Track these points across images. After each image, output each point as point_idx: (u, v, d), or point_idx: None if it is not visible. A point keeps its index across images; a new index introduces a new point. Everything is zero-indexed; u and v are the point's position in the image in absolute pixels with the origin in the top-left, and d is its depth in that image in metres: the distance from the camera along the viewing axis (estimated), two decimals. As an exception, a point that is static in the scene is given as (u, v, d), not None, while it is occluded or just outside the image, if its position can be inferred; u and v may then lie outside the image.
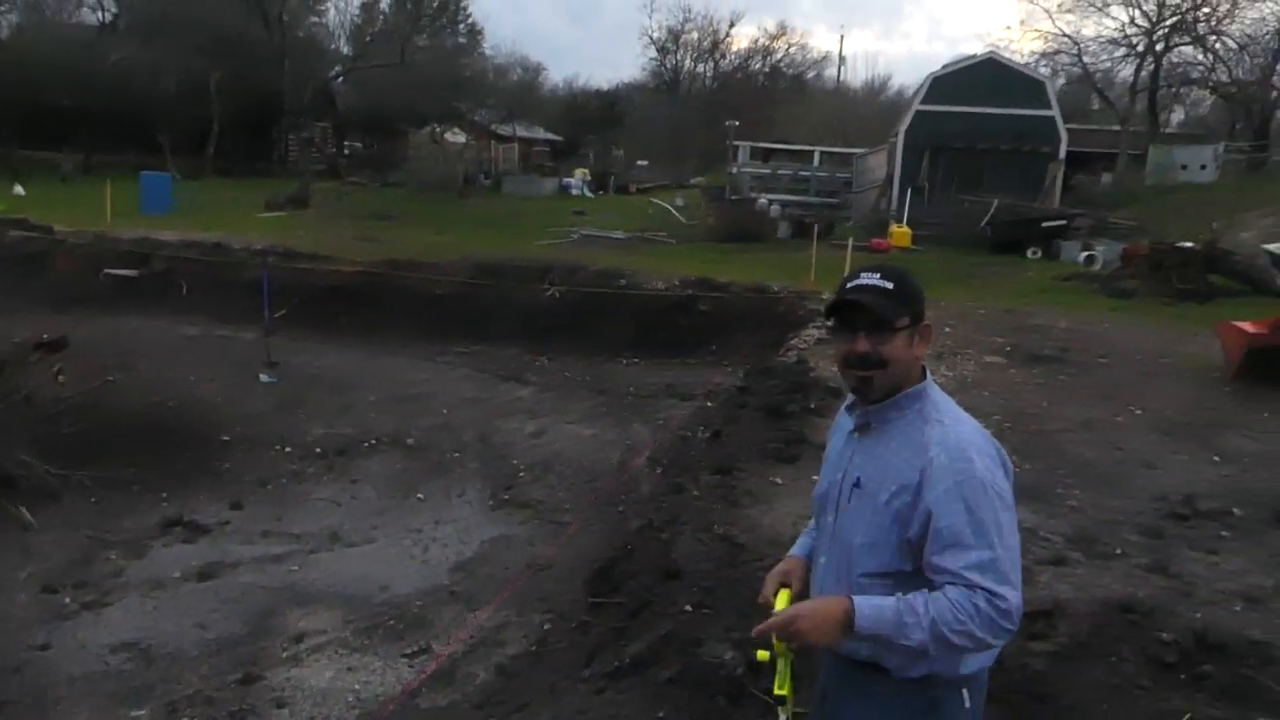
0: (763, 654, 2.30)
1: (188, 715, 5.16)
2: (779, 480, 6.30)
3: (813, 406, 7.82)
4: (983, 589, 2.05)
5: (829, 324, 2.33)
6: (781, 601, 2.34)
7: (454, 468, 9.23)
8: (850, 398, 2.42)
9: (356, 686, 5.49)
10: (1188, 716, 3.97)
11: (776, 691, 2.28)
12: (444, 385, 12.09)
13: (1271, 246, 16.24)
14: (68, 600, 6.37)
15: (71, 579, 6.63)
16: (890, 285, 2.23)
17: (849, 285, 2.28)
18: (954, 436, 2.18)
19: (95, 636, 5.93)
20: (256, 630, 6.09)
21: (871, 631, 2.10)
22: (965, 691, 2.25)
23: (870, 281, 2.25)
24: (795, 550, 2.59)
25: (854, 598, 2.13)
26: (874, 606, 2.11)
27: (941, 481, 2.12)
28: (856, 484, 2.28)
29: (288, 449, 9.43)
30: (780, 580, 2.45)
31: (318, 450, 9.41)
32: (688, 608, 4.72)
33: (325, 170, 33.20)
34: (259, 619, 6.24)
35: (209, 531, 7.56)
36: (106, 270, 15.86)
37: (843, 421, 2.46)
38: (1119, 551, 5.34)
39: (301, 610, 6.37)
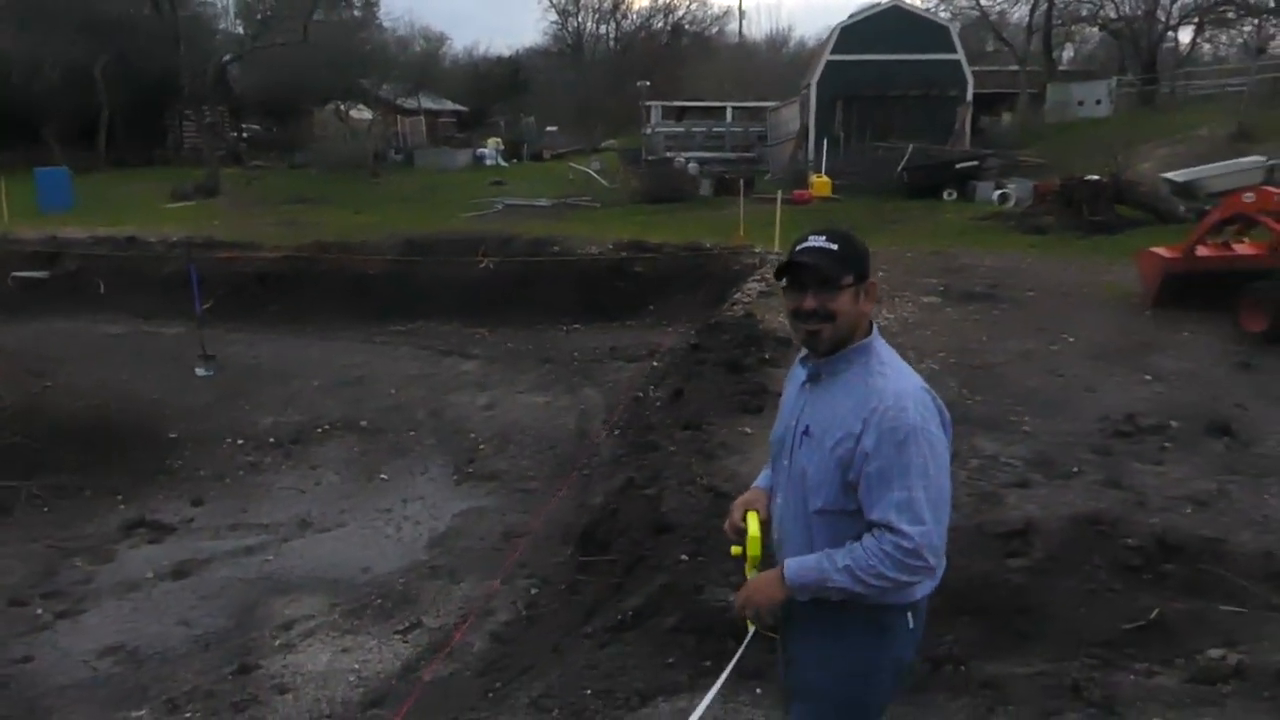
0: (735, 550, 2.66)
1: (190, 710, 5.14)
2: (748, 430, 6.50)
3: (767, 357, 8.03)
4: (890, 532, 2.32)
5: (781, 284, 2.52)
6: (751, 522, 2.65)
7: (412, 446, 9.21)
8: (803, 351, 2.61)
9: (356, 666, 5.53)
10: (1156, 611, 4.31)
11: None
12: (386, 365, 11.97)
13: (1171, 174, 17.02)
14: (39, 611, 6.23)
15: (39, 590, 6.48)
16: (835, 247, 2.44)
17: (798, 248, 2.49)
18: (894, 388, 2.39)
19: (77, 644, 5.83)
20: (243, 622, 6.06)
21: (799, 583, 2.43)
22: (910, 615, 2.52)
23: (817, 244, 2.45)
24: (758, 482, 2.85)
25: (786, 561, 2.48)
26: (799, 563, 2.44)
27: (878, 428, 2.34)
28: (806, 431, 2.50)
29: (239, 441, 9.28)
30: (746, 506, 2.73)
31: (271, 440, 9.28)
32: (683, 558, 4.89)
33: (226, 156, 32.02)
34: (243, 611, 6.20)
35: (174, 530, 7.44)
36: (14, 274, 15.18)
37: (796, 372, 2.68)
38: (1076, 470, 5.69)
39: (285, 598, 6.36)
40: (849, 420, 2.38)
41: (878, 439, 2.33)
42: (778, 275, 2.51)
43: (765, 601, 2.52)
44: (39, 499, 7.73)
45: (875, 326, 2.54)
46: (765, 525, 2.66)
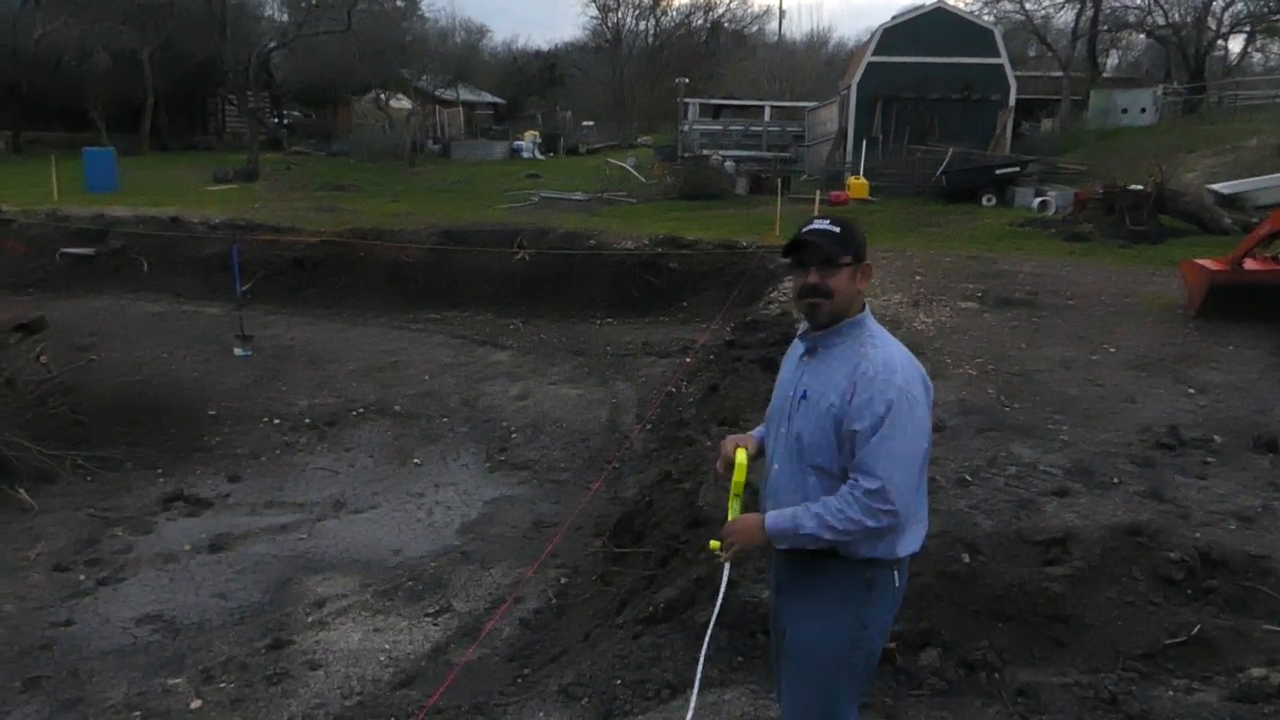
0: (714, 543, 2.90)
1: (224, 680, 5.21)
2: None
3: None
4: (863, 477, 2.58)
5: (787, 261, 2.81)
6: (740, 457, 2.90)
7: (445, 433, 9.28)
8: (803, 326, 2.90)
9: (386, 646, 5.58)
10: (1197, 628, 4.25)
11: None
12: (420, 352, 12.06)
13: (1216, 186, 16.77)
14: (81, 577, 6.34)
15: (82, 557, 6.59)
16: (837, 230, 2.75)
17: (804, 230, 2.79)
18: (883, 355, 2.67)
19: (117, 611, 5.92)
20: (277, 598, 6.14)
21: (776, 527, 2.68)
22: (895, 572, 2.76)
23: (821, 226, 2.78)
24: (752, 433, 3.10)
25: (766, 513, 2.75)
26: (777, 512, 2.71)
27: (867, 389, 2.61)
28: (804, 396, 2.76)
29: (276, 421, 9.39)
30: (736, 443, 2.98)
31: (306, 421, 9.38)
32: (716, 556, 4.88)
33: (266, 142, 32.38)
34: (277, 587, 6.28)
35: (211, 505, 7.54)
36: (62, 250, 15.44)
37: (794, 347, 2.95)
38: (1116, 481, 5.62)
39: (318, 576, 6.43)
40: (840, 383, 2.65)
41: (866, 399, 2.59)
42: (785, 253, 2.80)
43: (743, 541, 2.78)
44: (83, 469, 7.85)
45: (867, 306, 2.82)
46: (753, 461, 2.91)
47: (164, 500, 7.52)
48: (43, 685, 5.13)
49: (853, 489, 2.58)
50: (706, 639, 3.05)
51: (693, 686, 3.03)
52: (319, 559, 6.70)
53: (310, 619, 5.88)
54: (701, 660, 3.04)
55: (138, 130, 32.45)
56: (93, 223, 16.25)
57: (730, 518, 2.87)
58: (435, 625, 5.86)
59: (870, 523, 2.57)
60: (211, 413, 9.43)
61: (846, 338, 2.73)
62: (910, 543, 2.74)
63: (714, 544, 2.91)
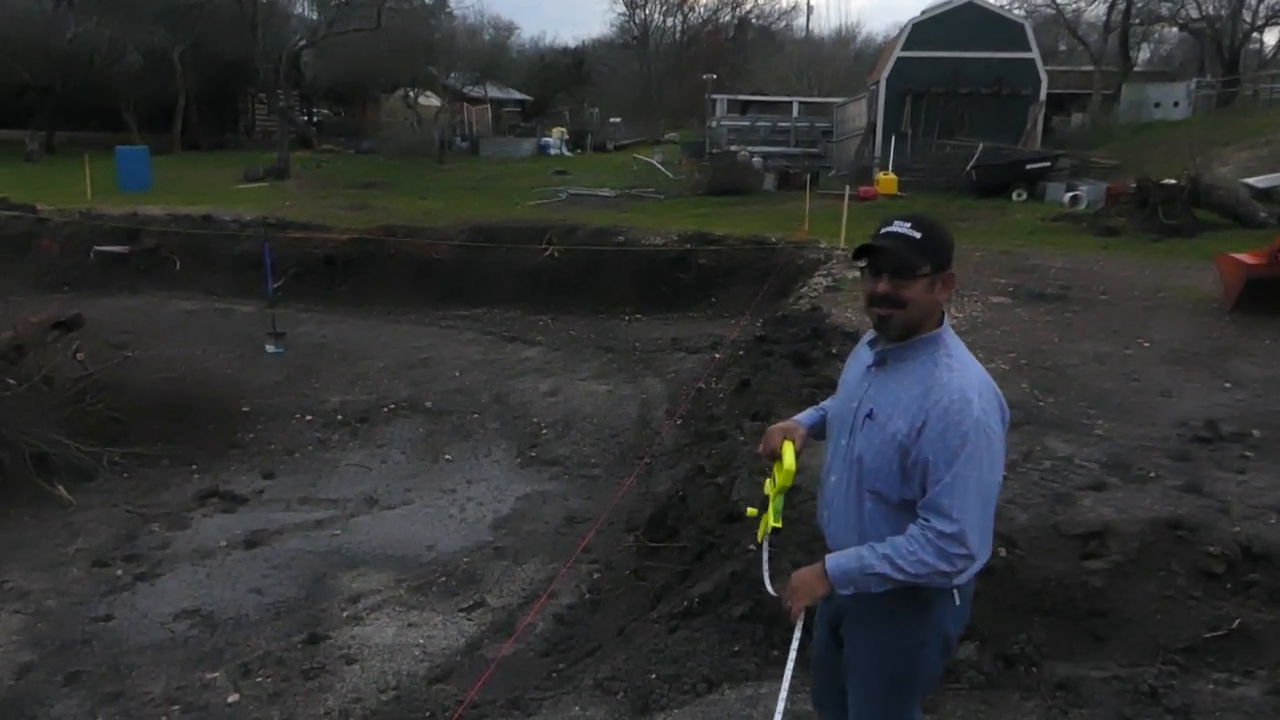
0: (751, 510, 2.88)
1: (261, 675, 5.27)
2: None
3: (834, 351, 7.97)
4: (936, 518, 2.37)
5: (861, 265, 2.54)
6: (787, 451, 2.73)
7: (476, 429, 9.33)
8: (872, 333, 2.65)
9: (421, 641, 5.63)
10: (1238, 621, 4.20)
11: (775, 524, 2.78)
12: (451, 349, 12.13)
13: (1252, 180, 16.52)
14: (120, 573, 6.43)
15: (120, 552, 6.69)
16: (918, 235, 2.45)
17: (881, 231, 2.50)
18: (959, 381, 2.42)
19: (155, 606, 6.01)
20: (313, 593, 6.20)
21: (840, 571, 2.50)
22: (955, 594, 2.59)
23: (900, 230, 2.47)
24: (799, 418, 2.92)
25: (826, 557, 2.55)
26: (839, 555, 2.53)
27: (941, 420, 2.38)
28: (870, 414, 2.54)
29: (308, 417, 9.48)
30: (784, 434, 2.80)
31: (339, 418, 9.47)
32: (751, 547, 4.88)
33: (296, 140, 32.66)
34: (313, 582, 6.34)
35: (246, 501, 7.63)
36: (96, 248, 15.67)
37: (861, 352, 2.71)
38: (1153, 475, 5.54)
39: (353, 572, 6.48)
40: (912, 409, 2.43)
41: (939, 431, 2.37)
42: (856, 255, 2.53)
43: (806, 596, 2.57)
44: (120, 466, 7.97)
45: (946, 318, 2.57)
46: (798, 457, 2.75)
47: (200, 496, 7.61)
48: (84, 679, 5.21)
49: (925, 530, 2.39)
50: (785, 681, 2.72)
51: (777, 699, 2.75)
52: (353, 555, 6.76)
53: (345, 614, 5.94)
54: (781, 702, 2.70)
55: (169, 129, 32.84)
56: (126, 221, 16.47)
57: (770, 519, 2.77)
58: (469, 620, 5.89)
59: (945, 567, 2.39)
60: (245, 409, 9.54)
61: (920, 353, 2.49)
62: (973, 567, 2.54)
63: (751, 511, 2.87)
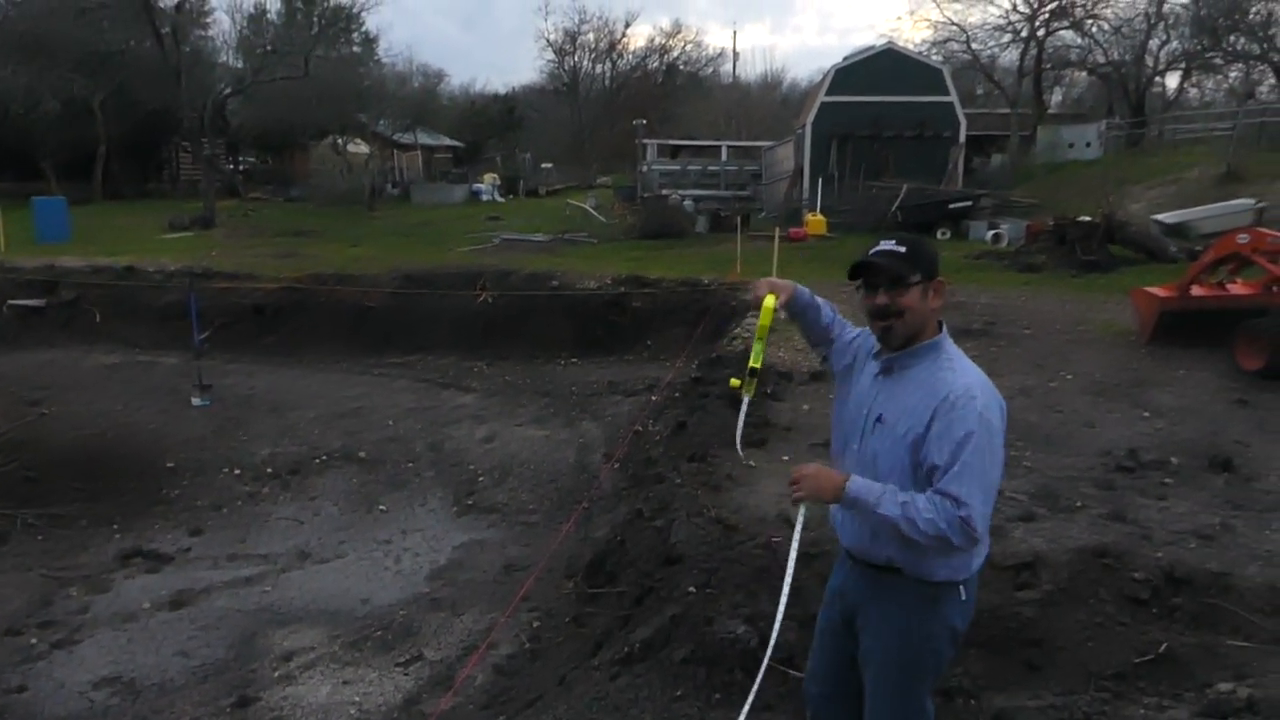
0: (734, 381, 3.07)
1: (188, 743, 5.07)
2: (753, 463, 6.50)
3: (769, 391, 8.05)
4: (949, 500, 2.54)
5: (856, 285, 2.79)
6: (769, 301, 2.94)
7: (411, 478, 9.18)
8: (876, 346, 2.86)
9: (357, 699, 5.47)
10: (1164, 645, 4.30)
11: (752, 364, 2.98)
12: (384, 397, 11.94)
13: (1162, 216, 17.22)
14: (34, 641, 6.15)
15: (35, 619, 6.41)
16: (903, 249, 2.72)
17: (870, 251, 2.76)
18: (963, 380, 2.64)
19: (73, 674, 5.75)
20: (242, 654, 6.00)
21: (855, 493, 2.62)
22: (962, 588, 2.79)
23: (887, 247, 2.74)
24: (790, 282, 3.10)
25: (852, 476, 2.68)
26: (865, 481, 2.66)
27: (947, 416, 2.58)
28: (879, 419, 2.75)
29: (236, 471, 9.23)
30: (771, 286, 3.01)
31: (269, 470, 9.24)
32: (691, 589, 4.86)
33: (222, 189, 32.14)
34: (242, 642, 6.14)
35: (171, 560, 7.38)
36: (10, 302, 15.15)
37: (868, 365, 2.92)
38: (1079, 504, 5.70)
39: (284, 629, 6.30)
40: (919, 410, 2.63)
41: (946, 425, 2.57)
42: (851, 275, 2.78)
43: (812, 492, 2.69)
44: (34, 528, 7.67)
45: (944, 326, 2.79)
46: (779, 309, 2.97)
47: (121, 557, 7.34)
48: (-4, 755, 4.96)
49: (941, 503, 2.54)
50: (786, 583, 2.91)
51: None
52: (285, 611, 6.57)
53: (277, 674, 5.76)
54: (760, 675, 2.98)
55: (90, 178, 32.09)
56: (43, 274, 15.99)
57: (753, 361, 2.96)
58: (407, 675, 5.76)
59: (954, 539, 2.54)
60: (170, 465, 9.26)
61: (924, 359, 2.71)
62: (976, 563, 2.79)
63: (734, 382, 3.05)
